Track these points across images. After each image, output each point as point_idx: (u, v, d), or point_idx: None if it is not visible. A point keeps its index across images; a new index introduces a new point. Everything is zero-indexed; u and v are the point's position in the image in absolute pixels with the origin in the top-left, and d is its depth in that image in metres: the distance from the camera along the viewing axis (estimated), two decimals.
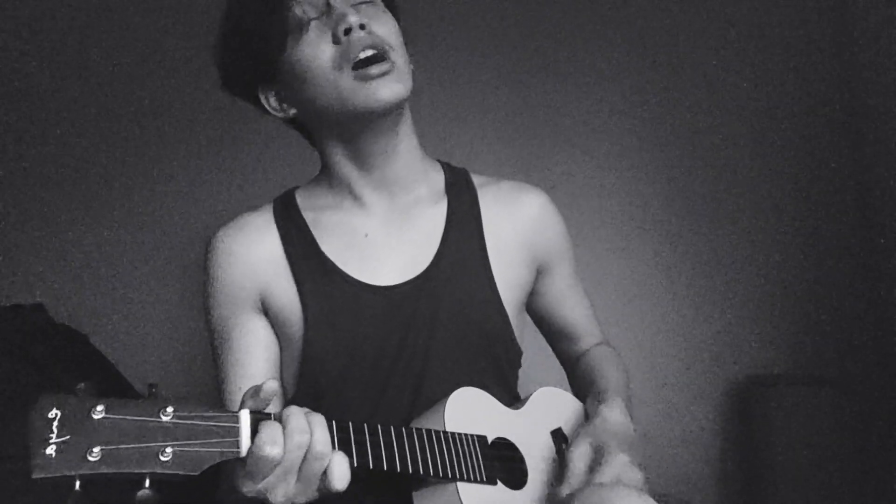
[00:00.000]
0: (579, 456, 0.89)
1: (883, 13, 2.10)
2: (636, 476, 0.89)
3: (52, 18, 2.31)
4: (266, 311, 0.97)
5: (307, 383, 0.95)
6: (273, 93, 1.01)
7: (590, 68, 2.38)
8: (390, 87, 0.91)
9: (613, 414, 0.95)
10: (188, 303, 2.21)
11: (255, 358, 0.96)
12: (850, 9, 2.28)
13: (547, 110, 2.38)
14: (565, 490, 0.87)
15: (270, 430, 0.67)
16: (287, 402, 0.98)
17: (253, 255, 0.97)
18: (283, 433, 0.68)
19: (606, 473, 0.87)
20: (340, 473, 0.71)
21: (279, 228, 1.00)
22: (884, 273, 2.21)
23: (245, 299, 0.96)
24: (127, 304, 2.26)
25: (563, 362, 1.20)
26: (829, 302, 2.27)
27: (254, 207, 1.04)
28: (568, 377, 1.19)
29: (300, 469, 0.69)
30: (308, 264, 0.97)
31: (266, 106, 1.02)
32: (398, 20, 1.02)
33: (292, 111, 1.00)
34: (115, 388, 1.77)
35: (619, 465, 0.88)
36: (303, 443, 0.68)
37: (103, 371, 1.80)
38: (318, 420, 0.71)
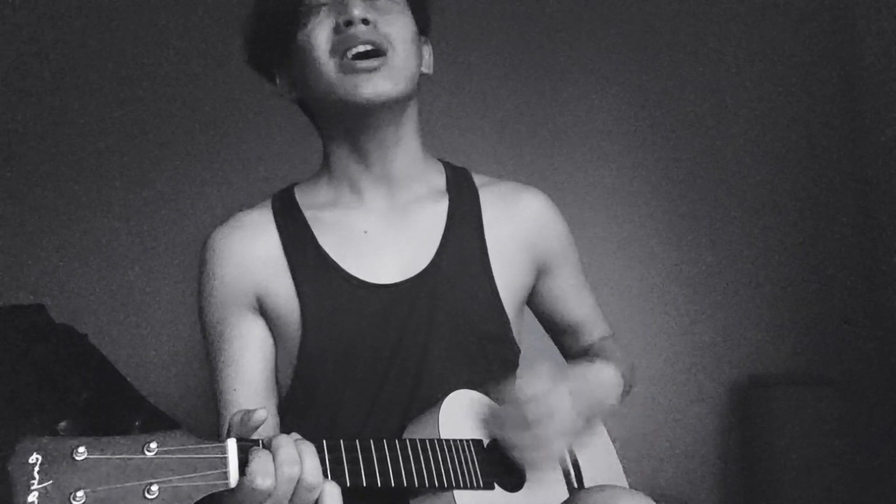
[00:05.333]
0: (531, 374, 0.86)
1: (883, 13, 2.09)
2: (567, 420, 0.84)
3: (52, 18, 2.31)
4: (262, 310, 0.97)
5: (302, 382, 0.95)
6: (285, 74, 1.01)
7: (590, 68, 2.38)
8: (375, 83, 0.90)
9: (600, 368, 0.95)
10: (188, 303, 2.19)
11: (250, 358, 0.95)
12: (850, 9, 2.28)
13: (547, 110, 2.38)
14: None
15: (261, 460, 0.66)
16: (281, 401, 0.98)
17: (250, 253, 0.96)
18: (274, 464, 0.67)
19: (537, 404, 0.83)
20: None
21: (278, 225, 0.99)
22: (884, 273, 2.21)
23: (241, 299, 0.96)
24: (127, 304, 2.26)
25: (565, 356, 1.19)
26: (829, 302, 2.27)
27: (252, 205, 1.03)
28: None
29: (291, 501, 0.68)
30: (306, 260, 0.96)
31: (278, 86, 1.03)
32: (425, 19, 1.03)
33: (296, 95, 1.01)
34: (115, 389, 1.77)
35: (554, 400, 0.84)
36: (293, 475, 0.67)
37: (103, 371, 1.79)
38: (308, 449, 0.70)
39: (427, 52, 1.05)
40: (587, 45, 2.38)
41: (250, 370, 0.95)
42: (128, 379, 1.85)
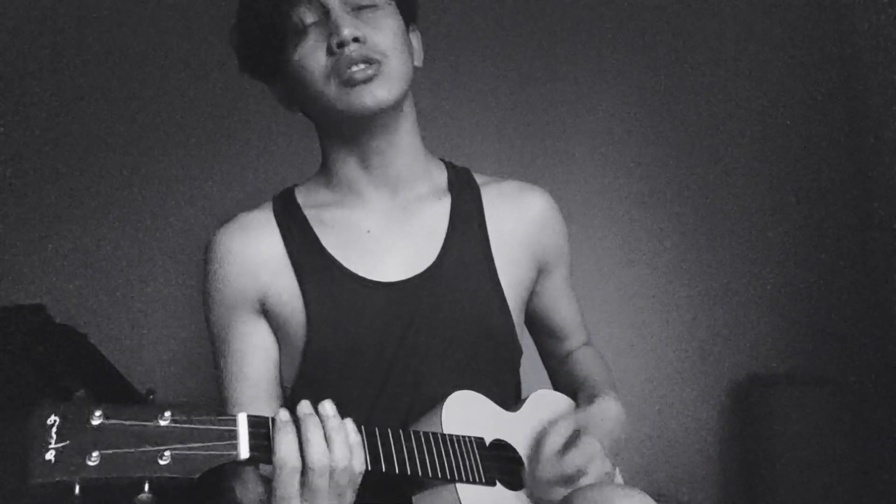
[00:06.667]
0: (556, 431, 0.92)
1: (883, 13, 2.09)
2: (604, 467, 0.91)
3: (52, 18, 2.31)
4: (266, 311, 0.97)
5: (307, 382, 0.95)
6: (281, 89, 1.02)
7: (590, 68, 2.38)
8: (373, 93, 0.91)
9: (608, 405, 0.98)
10: (188, 303, 2.21)
11: (253, 360, 0.96)
12: (850, 9, 2.28)
13: (548, 110, 2.38)
14: (534, 467, 0.90)
15: (285, 437, 0.71)
16: (285, 401, 0.98)
17: (253, 254, 0.96)
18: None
19: (575, 457, 0.89)
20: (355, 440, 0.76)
21: (280, 226, 0.99)
22: (884, 273, 2.21)
23: (244, 301, 0.96)
24: (127, 304, 2.26)
25: (546, 359, 1.20)
26: (829, 302, 2.27)
27: (253, 206, 1.03)
28: (550, 374, 1.19)
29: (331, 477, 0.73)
30: (310, 261, 0.96)
31: (276, 97, 1.04)
32: (413, 16, 1.02)
33: (296, 109, 1.02)
34: (114, 388, 1.77)
35: (590, 450, 0.90)
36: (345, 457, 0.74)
37: (103, 371, 1.80)
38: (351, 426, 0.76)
39: (416, 40, 1.04)
40: (587, 45, 2.38)
41: (254, 372, 0.96)
42: (128, 379, 1.85)
